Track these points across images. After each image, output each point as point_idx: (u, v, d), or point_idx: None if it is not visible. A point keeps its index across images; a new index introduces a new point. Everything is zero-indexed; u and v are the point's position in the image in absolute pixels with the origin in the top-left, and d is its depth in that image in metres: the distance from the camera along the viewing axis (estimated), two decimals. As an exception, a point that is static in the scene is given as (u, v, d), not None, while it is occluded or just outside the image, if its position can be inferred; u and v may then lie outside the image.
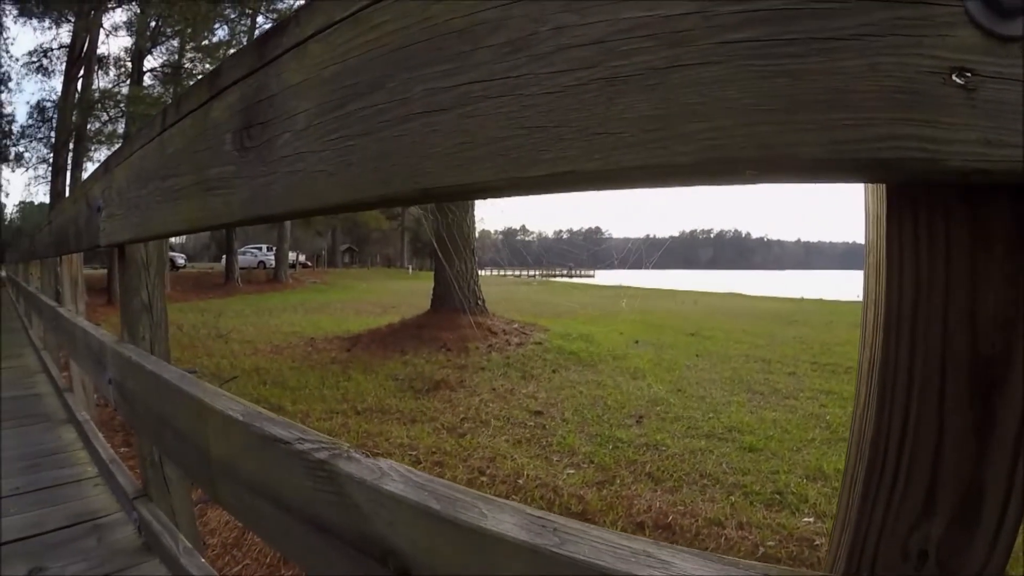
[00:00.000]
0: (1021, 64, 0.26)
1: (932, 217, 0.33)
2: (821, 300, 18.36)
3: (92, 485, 2.14)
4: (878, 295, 0.37)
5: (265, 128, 0.69)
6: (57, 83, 19.31)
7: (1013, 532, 0.34)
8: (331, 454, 0.67)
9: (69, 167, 17.98)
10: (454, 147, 0.45)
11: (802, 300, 18.91)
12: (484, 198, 0.51)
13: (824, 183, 0.33)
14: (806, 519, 2.96)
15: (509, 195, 0.45)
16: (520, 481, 3.44)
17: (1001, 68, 0.27)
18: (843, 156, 0.30)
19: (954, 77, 0.27)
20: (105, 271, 17.01)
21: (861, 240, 0.41)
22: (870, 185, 0.38)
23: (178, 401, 1.05)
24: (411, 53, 0.48)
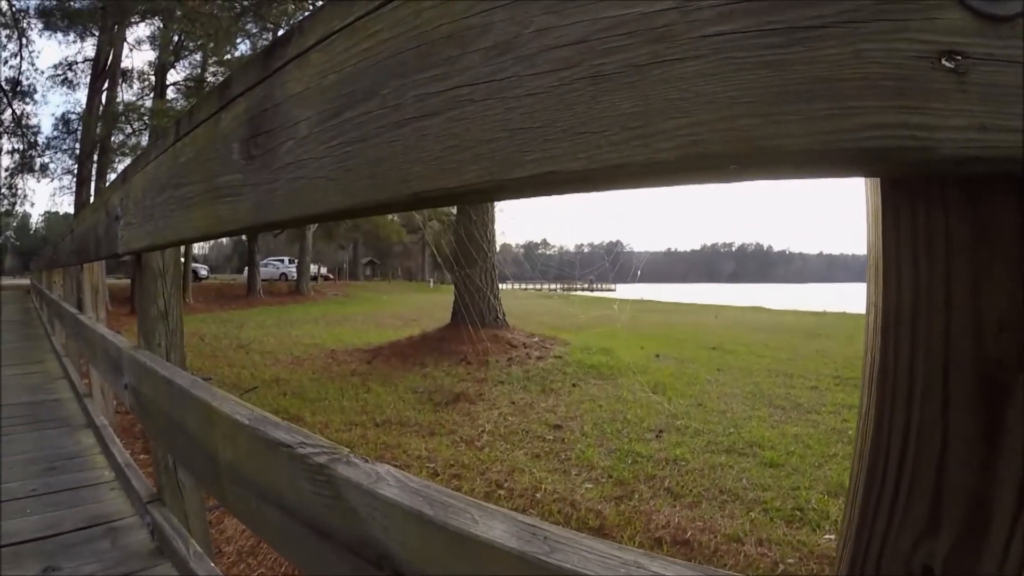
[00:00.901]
0: (1014, 45, 0.25)
1: (930, 211, 0.32)
2: (844, 313, 17.93)
3: (108, 489, 2.18)
4: (877, 297, 0.35)
5: (270, 136, 0.70)
6: (82, 95, 19.90)
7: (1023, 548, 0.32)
8: (330, 458, 0.67)
9: (93, 178, 18.35)
10: (443, 151, 0.45)
11: (824, 313, 18.52)
12: (473, 202, 0.50)
13: (812, 178, 0.32)
14: (827, 536, 2.88)
15: (496, 198, 0.45)
16: (538, 495, 3.40)
17: (992, 50, 0.25)
18: (829, 147, 0.28)
19: (943, 61, 0.26)
20: (129, 281, 17.38)
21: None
22: (869, 182, 0.36)
23: (189, 406, 1.07)
24: (403, 60, 0.48)
